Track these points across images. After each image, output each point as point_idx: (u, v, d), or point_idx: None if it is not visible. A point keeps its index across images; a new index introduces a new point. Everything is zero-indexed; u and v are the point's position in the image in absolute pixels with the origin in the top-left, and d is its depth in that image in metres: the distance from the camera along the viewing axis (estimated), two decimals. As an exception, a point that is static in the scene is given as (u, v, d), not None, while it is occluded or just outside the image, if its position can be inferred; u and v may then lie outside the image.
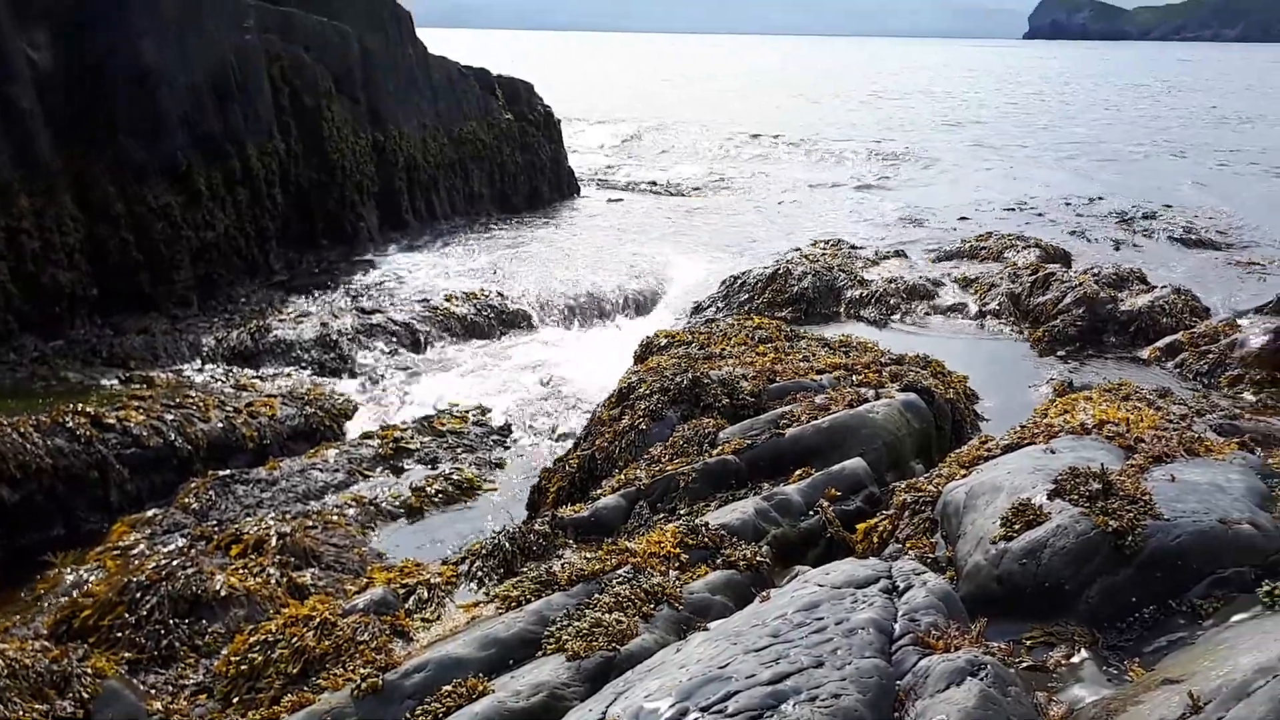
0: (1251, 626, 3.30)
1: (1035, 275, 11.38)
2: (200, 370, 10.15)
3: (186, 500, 7.40)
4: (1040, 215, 19.29)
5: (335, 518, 7.16)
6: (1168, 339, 9.85)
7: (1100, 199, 21.33)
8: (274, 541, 6.24)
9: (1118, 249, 15.73)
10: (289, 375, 10.25)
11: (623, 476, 6.04)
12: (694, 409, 6.90)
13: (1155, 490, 4.12)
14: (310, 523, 6.85)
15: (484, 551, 4.96)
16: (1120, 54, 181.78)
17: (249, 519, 6.77)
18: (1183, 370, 9.27)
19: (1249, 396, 8.44)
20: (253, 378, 10.08)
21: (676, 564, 4.49)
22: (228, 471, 7.96)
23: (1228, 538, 3.78)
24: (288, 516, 6.87)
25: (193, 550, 6.07)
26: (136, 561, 6.16)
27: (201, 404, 8.81)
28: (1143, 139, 35.30)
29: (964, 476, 4.85)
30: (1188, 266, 14.55)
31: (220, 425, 8.63)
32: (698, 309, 12.65)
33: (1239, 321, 10.02)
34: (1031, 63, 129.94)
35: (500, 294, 12.78)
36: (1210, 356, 9.18)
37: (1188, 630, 3.52)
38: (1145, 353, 9.87)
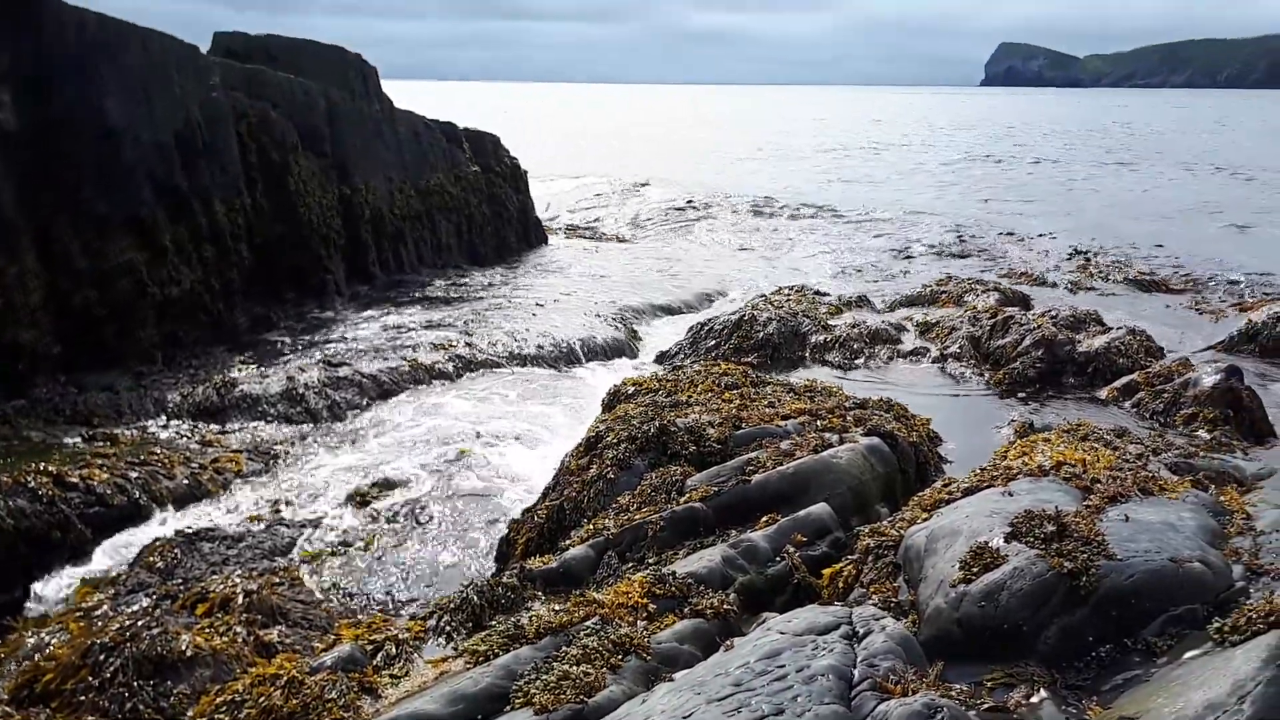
0: (1202, 663, 3.39)
1: (994, 319, 11.60)
2: (165, 426, 10.07)
3: (151, 559, 7.32)
4: (994, 259, 19.69)
5: (303, 571, 7.11)
6: (1124, 379, 10.06)
7: (1053, 237, 21.83)
8: (240, 599, 6.19)
9: (1074, 291, 16.07)
10: (255, 429, 10.20)
11: (591, 526, 6.06)
12: (661, 457, 6.95)
13: (1109, 531, 4.22)
14: (277, 579, 6.80)
15: (452, 605, 4.96)
16: (1071, 100, 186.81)
17: (215, 577, 6.71)
18: (1139, 409, 9.46)
19: (1204, 434, 8.63)
20: (218, 433, 10.02)
21: (644, 614, 4.52)
22: (193, 528, 7.89)
23: (1179, 576, 3.89)
24: (255, 573, 6.81)
25: (157, 610, 6.01)
26: (100, 623, 6.08)
27: (167, 460, 8.76)
28: (1091, 182, 36.18)
29: (925, 520, 4.94)
30: (1142, 307, 14.89)
31: (186, 482, 8.57)
32: (665, 356, 12.76)
33: (1192, 361, 10.27)
34: (985, 109, 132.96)
35: (469, 344, 12.82)
36: (1165, 396, 9.38)
37: (1143, 668, 3.61)
38: (1103, 393, 10.07)
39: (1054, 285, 16.51)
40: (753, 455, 6.71)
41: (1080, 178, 37.92)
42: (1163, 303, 15.28)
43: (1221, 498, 5.40)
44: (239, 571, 6.90)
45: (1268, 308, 12.31)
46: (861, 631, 3.36)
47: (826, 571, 5.14)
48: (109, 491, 7.98)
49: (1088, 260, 19.00)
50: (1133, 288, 16.43)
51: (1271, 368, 11.02)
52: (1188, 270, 18.14)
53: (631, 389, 8.91)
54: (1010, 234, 22.06)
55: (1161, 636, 3.70)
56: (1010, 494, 4.85)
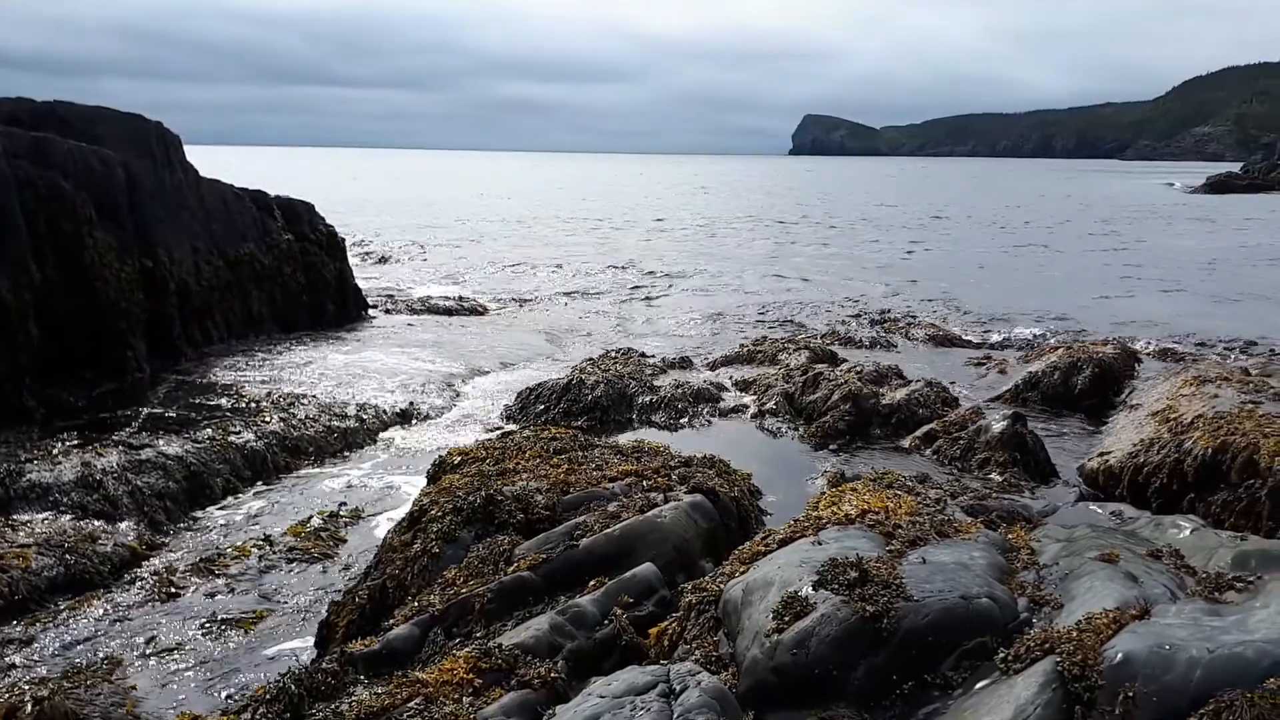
0: (990, 692, 3.67)
1: (806, 375, 12.20)
2: (-61, 524, 9.15)
3: (-79, 673, 6.60)
4: (795, 320, 20.70)
5: (101, 674, 6.59)
6: (925, 428, 10.77)
7: (858, 300, 23.20)
8: (29, 709, 5.67)
9: (876, 347, 17.10)
10: (45, 521, 9.42)
11: (415, 604, 5.94)
12: (489, 527, 6.90)
13: (908, 573, 4.52)
14: (71, 683, 6.28)
15: (268, 696, 4.73)
16: (857, 167, 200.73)
17: (-2, 687, 6.12)
18: (939, 456, 10.14)
19: (996, 477, 9.33)
20: (1, 527, 9.18)
21: (470, 690, 4.46)
22: (-28, 636, 7.18)
23: (969, 612, 4.19)
24: (46, 679, 6.27)
25: (-72, 730, 5.44)
26: None
27: (-60, 562, 7.95)
28: (880, 242, 38.77)
29: (744, 573, 5.12)
30: (938, 360, 15.99)
31: (-37, 584, 7.79)
32: (495, 423, 12.70)
33: (983, 409, 11.12)
34: (787, 177, 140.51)
35: (283, 419, 12.32)
36: (961, 442, 10.10)
37: (941, 701, 3.86)
38: (906, 442, 10.74)
39: (859, 343, 17.51)
40: (581, 519, 6.76)
41: (888, 240, 40.55)
42: (957, 356, 16.46)
43: (1009, 536, 5.85)
44: (27, 678, 6.33)
45: (1046, 358, 13.49)
46: (679, 688, 3.46)
47: (653, 631, 5.23)
48: None
49: (887, 317, 20.28)
50: (930, 343, 17.63)
51: (1052, 412, 12.05)
52: (980, 322, 19.65)
53: (457, 459, 8.82)
54: (825, 305, 23.27)
55: (957, 670, 3.97)
56: (820, 543, 5.10)
